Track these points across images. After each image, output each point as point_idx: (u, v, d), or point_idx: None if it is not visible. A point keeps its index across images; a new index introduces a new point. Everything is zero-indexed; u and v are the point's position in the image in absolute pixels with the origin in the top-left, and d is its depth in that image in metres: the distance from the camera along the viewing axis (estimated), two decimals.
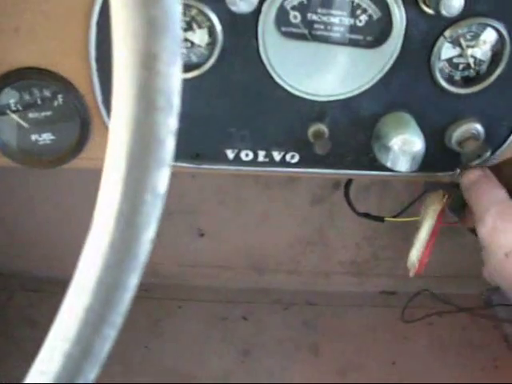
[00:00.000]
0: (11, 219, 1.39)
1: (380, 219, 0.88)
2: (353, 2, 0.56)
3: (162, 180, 0.22)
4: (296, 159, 0.65)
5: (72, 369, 0.24)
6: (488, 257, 0.61)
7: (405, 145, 0.59)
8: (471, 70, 0.61)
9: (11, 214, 1.38)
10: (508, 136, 0.65)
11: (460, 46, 0.59)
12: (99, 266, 0.23)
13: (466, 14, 0.56)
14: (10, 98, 0.60)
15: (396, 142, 0.59)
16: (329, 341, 1.40)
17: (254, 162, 0.65)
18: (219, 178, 1.31)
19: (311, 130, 0.62)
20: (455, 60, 0.60)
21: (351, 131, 0.63)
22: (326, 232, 1.44)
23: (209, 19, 0.56)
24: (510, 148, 0.65)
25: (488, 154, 0.63)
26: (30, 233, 1.42)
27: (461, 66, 0.61)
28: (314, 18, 0.57)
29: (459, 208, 0.71)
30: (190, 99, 0.59)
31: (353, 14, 0.57)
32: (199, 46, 0.57)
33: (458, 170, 0.66)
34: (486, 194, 0.62)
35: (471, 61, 0.60)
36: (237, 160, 0.65)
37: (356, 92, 0.61)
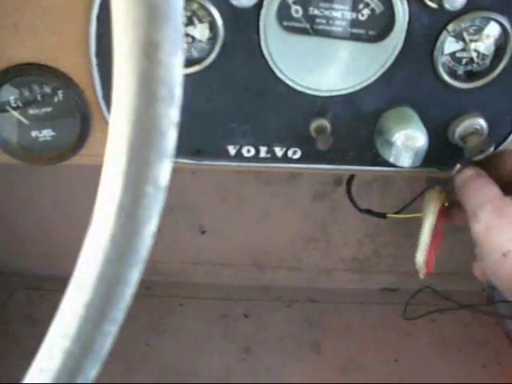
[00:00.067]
0: (11, 217, 1.39)
1: (382, 216, 0.88)
2: None
3: (163, 172, 0.22)
4: (298, 155, 0.65)
5: (72, 366, 0.24)
6: (483, 255, 0.60)
7: (408, 140, 0.58)
8: (474, 65, 0.60)
9: (11, 211, 1.38)
10: (511, 131, 0.64)
11: (463, 40, 0.59)
12: (100, 261, 0.22)
13: (469, 8, 0.56)
14: (10, 94, 0.60)
15: (399, 137, 0.59)
16: (330, 338, 1.40)
17: (255, 157, 0.64)
18: (220, 174, 1.31)
19: (313, 125, 0.62)
20: (458, 54, 0.60)
21: (353, 126, 0.63)
22: (327, 229, 1.43)
23: (210, 14, 0.55)
24: None
25: (491, 148, 0.62)
26: (31, 230, 1.42)
27: (464, 61, 0.60)
28: (316, 12, 0.56)
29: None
30: (190, 95, 0.58)
31: (355, 8, 0.56)
32: (200, 40, 0.57)
33: (458, 165, 0.65)
34: (479, 191, 0.61)
35: (474, 55, 0.60)
36: (238, 156, 0.64)
37: (358, 87, 0.60)
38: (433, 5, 0.55)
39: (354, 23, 0.57)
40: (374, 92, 0.61)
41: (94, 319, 0.23)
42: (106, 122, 0.61)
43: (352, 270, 1.51)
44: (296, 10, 0.56)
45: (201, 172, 1.30)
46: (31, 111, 0.61)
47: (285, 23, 0.56)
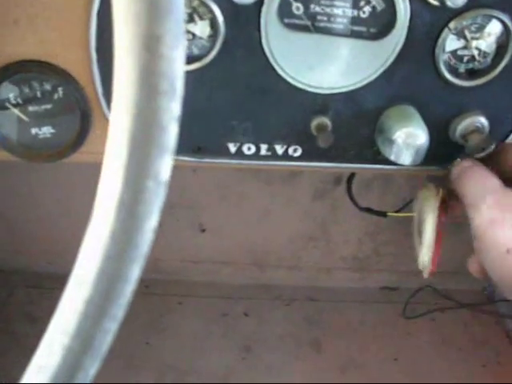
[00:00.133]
0: (11, 215, 1.39)
1: (382, 214, 0.88)
2: None
3: (164, 167, 0.21)
4: (299, 152, 0.64)
5: (72, 363, 0.24)
6: (484, 250, 0.57)
7: (409, 138, 0.58)
8: (476, 63, 0.60)
9: (11, 209, 1.38)
10: None
11: (465, 37, 0.59)
12: (99, 257, 0.22)
13: (471, 6, 0.55)
14: (10, 91, 0.60)
15: (400, 135, 0.58)
16: (330, 337, 1.40)
17: (256, 155, 0.64)
18: (221, 172, 1.31)
19: (314, 123, 0.61)
20: (460, 52, 0.60)
21: (354, 124, 0.63)
22: (327, 228, 1.43)
23: (210, 11, 0.55)
24: None
25: (492, 147, 0.62)
26: (31, 229, 1.42)
27: (465, 59, 0.60)
28: (317, 9, 0.56)
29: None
30: (191, 92, 0.58)
31: (356, 6, 0.56)
32: (201, 37, 0.57)
33: (459, 160, 0.65)
34: (479, 182, 0.59)
35: (476, 53, 0.60)
36: (239, 153, 0.64)
37: (359, 85, 0.60)
38: (434, 2, 0.55)
39: (356, 21, 0.57)
40: (375, 90, 0.60)
41: (94, 316, 0.23)
42: (107, 119, 0.60)
43: (352, 269, 1.51)
44: (297, 7, 0.56)
45: (201, 170, 1.30)
46: (31, 108, 0.60)
47: (286, 20, 0.56)
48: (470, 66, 0.60)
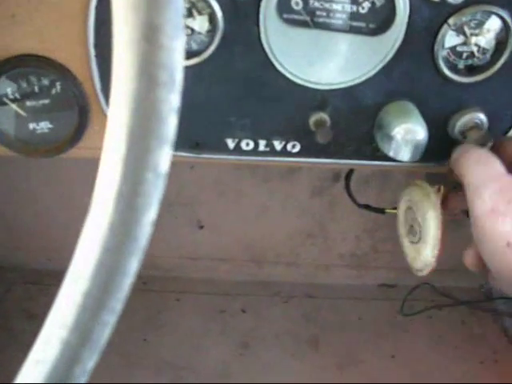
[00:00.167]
0: (10, 211, 1.39)
1: (380, 211, 0.88)
2: None
3: (163, 159, 0.21)
4: (297, 148, 0.64)
5: (70, 356, 0.23)
6: (483, 240, 0.55)
7: (407, 134, 0.58)
8: (475, 59, 0.60)
9: (10, 206, 1.38)
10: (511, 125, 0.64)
11: (464, 34, 0.58)
12: (98, 250, 0.22)
13: (470, 2, 0.55)
14: (7, 86, 0.59)
15: (399, 131, 0.58)
16: (328, 334, 1.40)
17: (254, 151, 0.64)
18: (218, 169, 1.31)
19: (313, 118, 0.61)
20: (459, 48, 0.60)
21: (353, 120, 0.63)
22: (325, 225, 1.43)
23: (209, 5, 0.55)
24: None
25: (491, 144, 0.62)
26: (29, 225, 1.42)
27: (464, 55, 0.60)
28: (316, 4, 0.56)
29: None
30: (189, 87, 0.58)
31: (355, 1, 0.56)
32: (199, 33, 0.57)
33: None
34: (480, 166, 0.56)
35: (475, 49, 0.60)
36: (237, 149, 0.64)
37: (358, 80, 0.60)
38: None
39: (355, 16, 0.57)
40: (374, 86, 0.60)
41: (92, 308, 0.23)
42: (105, 115, 0.60)
43: (350, 266, 1.51)
44: (296, 3, 0.55)
45: (199, 167, 1.30)
46: (29, 103, 0.60)
47: (285, 16, 0.56)
48: (469, 62, 0.60)
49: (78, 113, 0.60)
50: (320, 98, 0.61)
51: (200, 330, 1.38)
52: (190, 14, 0.55)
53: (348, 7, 0.56)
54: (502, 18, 0.57)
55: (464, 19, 0.57)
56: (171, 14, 0.20)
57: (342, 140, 0.64)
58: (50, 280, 1.23)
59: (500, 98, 0.62)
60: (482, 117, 0.62)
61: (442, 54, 0.59)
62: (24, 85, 0.59)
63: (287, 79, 0.59)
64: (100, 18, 0.54)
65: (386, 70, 0.59)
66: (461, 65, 0.60)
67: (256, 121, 0.62)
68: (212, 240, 1.45)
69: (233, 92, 0.60)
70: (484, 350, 1.38)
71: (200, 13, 0.55)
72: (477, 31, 0.58)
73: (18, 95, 0.60)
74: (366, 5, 0.56)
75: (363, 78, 0.60)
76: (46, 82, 0.59)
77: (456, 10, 0.56)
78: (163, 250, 1.41)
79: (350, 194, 0.92)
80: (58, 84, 0.59)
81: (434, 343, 1.39)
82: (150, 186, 0.21)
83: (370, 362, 1.34)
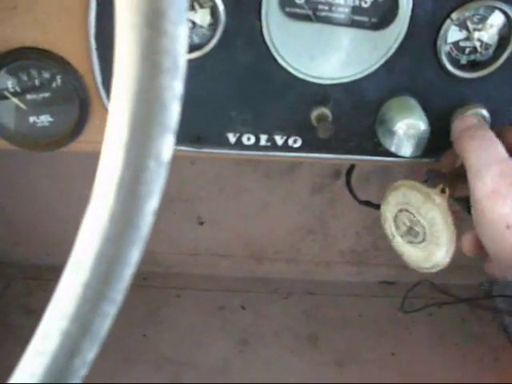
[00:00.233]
0: (10, 207, 1.39)
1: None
2: None
3: (166, 147, 0.21)
4: (298, 143, 0.64)
5: (70, 347, 0.23)
6: (483, 222, 0.54)
7: (409, 129, 0.58)
8: (477, 54, 0.60)
9: (10, 201, 1.38)
10: None
11: (467, 29, 0.58)
12: (99, 239, 0.22)
13: None
14: (8, 79, 0.59)
15: (401, 126, 0.58)
16: (328, 331, 1.40)
17: (255, 146, 0.64)
18: (219, 165, 1.31)
19: (314, 113, 0.61)
20: (461, 43, 0.59)
21: (355, 115, 0.62)
22: (326, 221, 1.43)
23: None
24: None
25: None
26: (29, 220, 1.41)
27: (467, 50, 0.60)
28: None
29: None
30: (191, 81, 0.58)
31: None
32: (201, 26, 0.56)
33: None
34: (485, 148, 0.55)
35: (478, 44, 0.59)
36: (238, 144, 0.64)
37: (360, 75, 0.59)
38: None
39: (357, 10, 0.56)
40: (376, 81, 0.60)
41: (93, 299, 0.22)
42: (106, 109, 0.60)
43: (350, 263, 1.51)
44: None
45: (199, 162, 1.30)
46: (29, 96, 0.60)
47: (287, 9, 0.56)
48: (472, 57, 0.60)
49: (78, 106, 0.60)
50: (322, 93, 0.61)
51: (200, 326, 1.38)
52: (191, 8, 0.55)
53: (350, 1, 0.56)
54: (505, 13, 0.57)
55: (467, 14, 0.57)
56: None
57: (343, 135, 0.64)
58: (50, 275, 1.23)
59: (502, 94, 0.62)
60: (484, 113, 0.62)
61: (444, 49, 0.59)
62: (24, 78, 0.59)
63: (289, 73, 0.59)
64: (101, 11, 0.53)
65: (388, 65, 0.59)
66: (463, 60, 0.60)
67: (257, 115, 0.62)
68: (212, 236, 1.45)
69: (234, 86, 0.60)
70: (484, 347, 1.38)
71: (202, 6, 0.55)
72: (480, 26, 0.58)
73: (18, 88, 0.59)
74: None
75: (365, 73, 0.59)
76: (46, 75, 0.59)
77: (459, 4, 0.56)
78: (163, 245, 1.41)
79: (350, 190, 0.91)
80: (58, 77, 0.59)
81: (434, 341, 1.39)
82: (152, 174, 0.21)
83: (370, 360, 1.34)
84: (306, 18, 0.56)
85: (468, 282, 1.45)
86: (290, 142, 0.64)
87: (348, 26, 0.57)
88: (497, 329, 1.43)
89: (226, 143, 0.64)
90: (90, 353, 0.24)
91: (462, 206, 0.64)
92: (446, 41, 0.58)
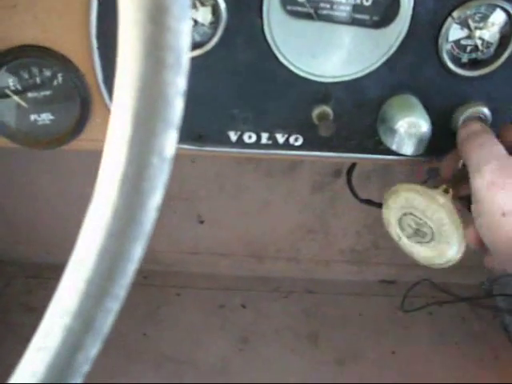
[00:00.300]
0: (10, 205, 1.39)
1: (382, 206, 0.87)
2: None
3: (169, 143, 0.21)
4: (300, 142, 0.64)
5: (72, 343, 0.23)
6: (481, 212, 0.56)
7: (411, 128, 0.58)
8: (479, 53, 0.60)
9: (10, 199, 1.38)
10: None
11: (468, 27, 0.58)
12: (101, 235, 0.22)
13: None
14: (9, 77, 0.59)
15: (402, 124, 0.58)
16: (328, 329, 1.40)
17: (257, 144, 0.64)
18: (219, 164, 1.31)
19: (315, 111, 0.61)
20: (463, 42, 0.59)
21: (356, 113, 0.62)
22: (326, 220, 1.43)
23: None
24: None
25: None
26: (29, 219, 1.41)
27: (468, 48, 0.60)
28: None
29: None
30: (192, 79, 0.58)
31: None
32: (202, 24, 0.56)
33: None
34: (486, 147, 0.58)
35: (479, 43, 0.59)
36: (240, 142, 0.64)
37: (361, 73, 0.59)
38: None
39: (358, 8, 0.56)
40: (377, 79, 0.60)
41: (96, 295, 0.22)
42: (107, 107, 0.60)
43: (350, 262, 1.51)
44: None
45: (200, 161, 1.30)
46: (30, 94, 0.60)
47: (288, 7, 0.56)
48: (473, 55, 0.60)
49: (79, 104, 0.60)
50: (323, 91, 0.61)
51: (200, 325, 1.38)
52: (193, 6, 0.55)
53: None
54: (506, 11, 0.57)
55: (468, 12, 0.57)
56: None
57: (344, 133, 0.64)
58: (50, 273, 1.23)
59: (503, 92, 0.62)
60: (485, 111, 0.62)
61: (445, 47, 0.59)
62: (25, 76, 0.59)
63: (290, 71, 0.59)
64: (102, 9, 0.53)
65: (390, 63, 0.59)
66: (465, 58, 0.60)
67: (259, 113, 0.62)
68: (212, 235, 1.45)
69: (235, 84, 0.60)
70: (484, 346, 1.38)
71: (203, 4, 0.55)
72: (481, 25, 0.58)
73: (19, 86, 0.59)
74: None
75: (366, 71, 0.59)
76: (47, 73, 0.59)
77: (460, 2, 0.56)
78: (163, 244, 1.41)
79: (351, 189, 0.91)
80: (59, 75, 0.59)
81: (434, 339, 1.39)
82: (155, 170, 0.21)
83: (370, 358, 1.34)
84: (307, 16, 0.56)
85: (468, 281, 1.45)
86: (291, 140, 0.64)
87: (349, 24, 0.57)
88: (497, 327, 1.43)
89: (227, 141, 0.63)
90: (93, 349, 0.24)
91: (463, 204, 0.64)
92: (447, 39, 0.58)
